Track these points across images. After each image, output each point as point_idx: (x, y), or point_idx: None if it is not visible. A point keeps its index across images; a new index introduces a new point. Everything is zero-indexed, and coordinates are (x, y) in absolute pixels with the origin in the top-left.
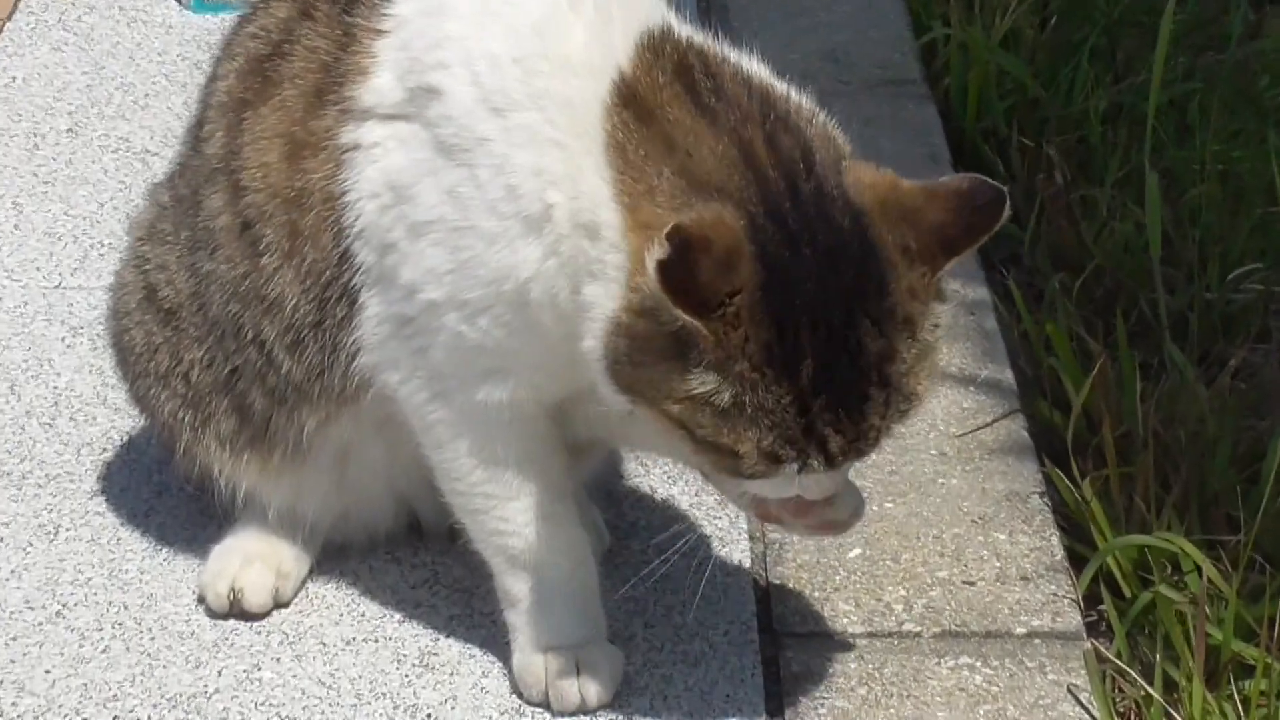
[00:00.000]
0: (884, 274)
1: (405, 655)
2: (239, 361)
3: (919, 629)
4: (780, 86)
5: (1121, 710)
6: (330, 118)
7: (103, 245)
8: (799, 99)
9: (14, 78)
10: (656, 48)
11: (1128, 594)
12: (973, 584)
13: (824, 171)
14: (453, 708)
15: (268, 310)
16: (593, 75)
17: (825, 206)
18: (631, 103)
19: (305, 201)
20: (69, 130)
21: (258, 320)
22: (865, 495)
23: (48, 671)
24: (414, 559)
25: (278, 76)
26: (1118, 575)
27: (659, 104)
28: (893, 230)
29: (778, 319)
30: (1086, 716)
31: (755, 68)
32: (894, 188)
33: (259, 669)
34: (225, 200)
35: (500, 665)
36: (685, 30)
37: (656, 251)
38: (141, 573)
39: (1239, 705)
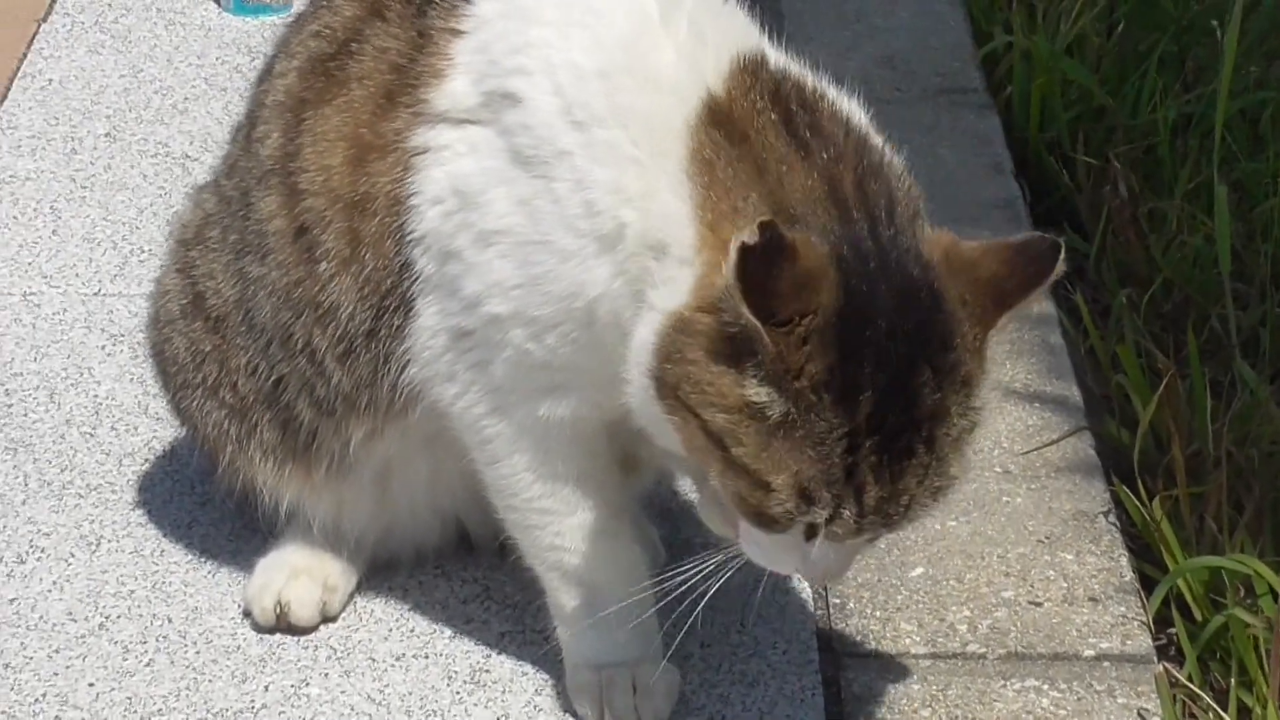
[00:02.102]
0: (949, 327)
1: (456, 672)
2: (285, 371)
3: (984, 650)
4: (876, 137)
5: None
6: (401, 120)
7: (142, 251)
8: (891, 154)
9: (50, 80)
10: (753, 72)
11: (1199, 617)
12: (1039, 605)
13: (901, 223)
14: None
15: (320, 319)
16: (678, 95)
17: (901, 254)
18: (723, 123)
19: (370, 207)
20: (107, 134)
21: (309, 329)
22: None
23: (91, 685)
24: (464, 574)
25: (343, 76)
26: (1189, 597)
27: (753, 127)
28: (955, 284)
29: (847, 348)
30: None
31: (853, 109)
32: (954, 244)
33: (306, 685)
34: (280, 203)
35: (553, 683)
36: (780, 59)
37: (747, 234)
38: (185, 585)
39: None
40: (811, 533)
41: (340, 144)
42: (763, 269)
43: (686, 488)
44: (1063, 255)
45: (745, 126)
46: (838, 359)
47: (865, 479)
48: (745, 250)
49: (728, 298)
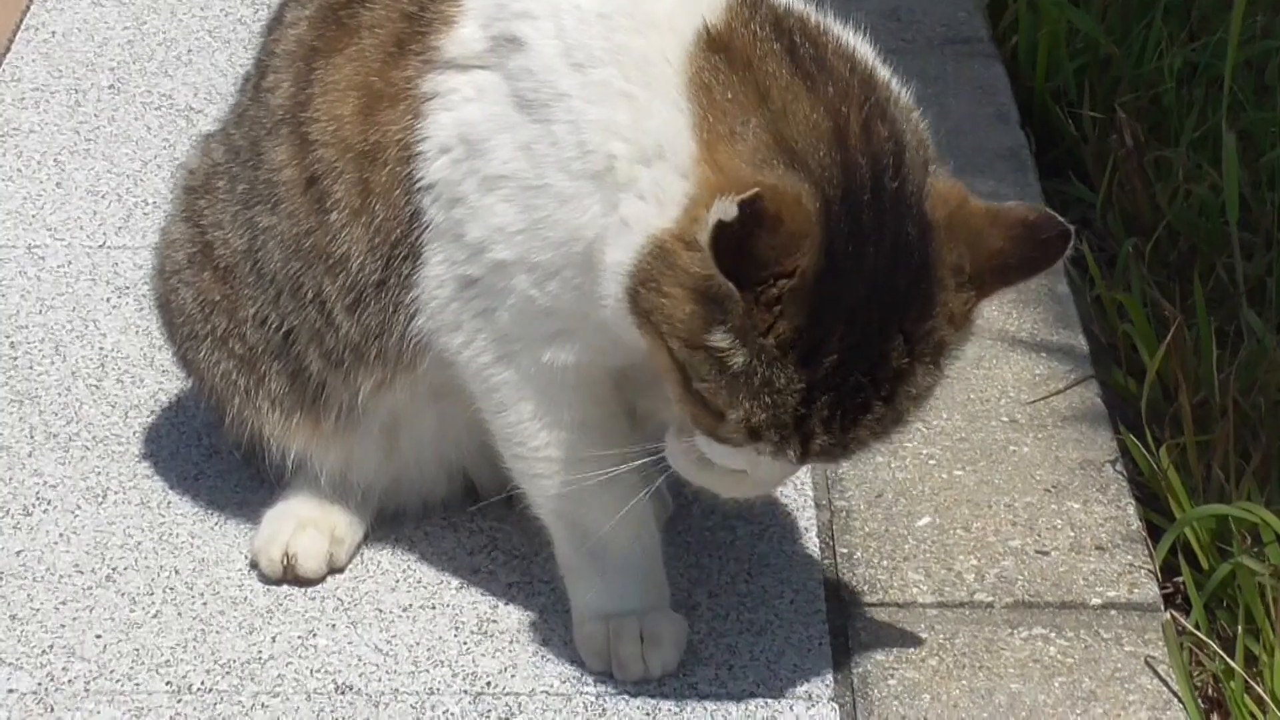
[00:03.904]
0: (933, 294)
1: (463, 622)
2: (295, 322)
3: (991, 599)
4: (883, 71)
5: (1199, 684)
6: (412, 68)
7: (147, 204)
8: (899, 89)
9: (53, 32)
10: (752, 5)
11: (1206, 565)
12: (1046, 554)
13: (909, 173)
14: (512, 676)
15: (330, 269)
16: (674, 31)
17: (901, 212)
18: (722, 49)
19: (380, 157)
20: (110, 87)
21: (319, 279)
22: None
23: (98, 636)
24: (471, 525)
25: (354, 24)
26: (1195, 546)
27: (756, 55)
28: (953, 250)
29: (819, 311)
30: (1165, 689)
31: (859, 44)
32: (963, 205)
33: (314, 635)
34: (290, 153)
35: (561, 633)
36: None
37: (725, 209)
38: (192, 537)
39: None
40: (757, 451)
41: (351, 93)
42: (738, 242)
43: None
44: (1072, 243)
45: (747, 54)
46: (807, 321)
47: (814, 428)
48: (720, 227)
49: (704, 255)
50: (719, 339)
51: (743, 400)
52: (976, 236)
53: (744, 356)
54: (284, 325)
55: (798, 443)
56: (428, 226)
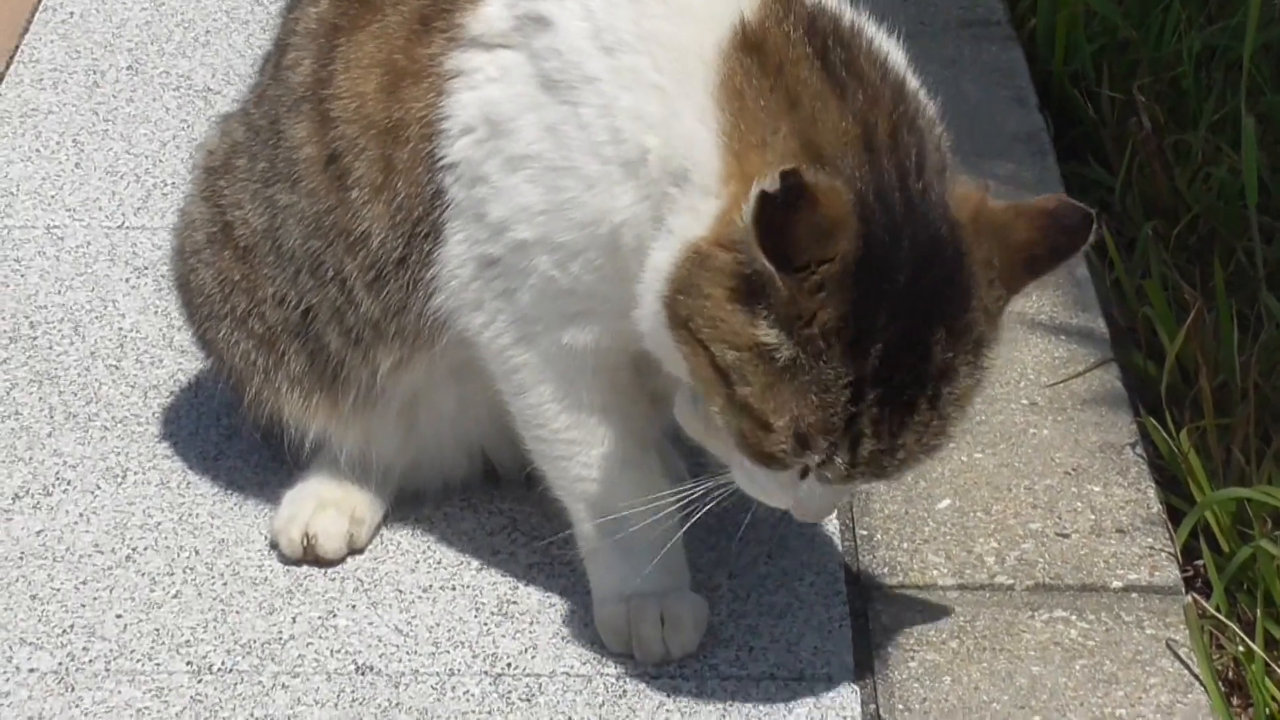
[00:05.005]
0: (969, 288)
1: (483, 603)
2: (315, 300)
3: (1011, 581)
4: (913, 80)
5: (1220, 667)
6: (436, 45)
7: (166, 185)
8: (926, 100)
9: (71, 13)
10: (786, 1)
11: (1226, 548)
12: (1067, 536)
13: (931, 177)
14: (533, 656)
15: (351, 246)
16: (709, 21)
17: (928, 208)
18: (755, 51)
19: (403, 134)
20: (129, 67)
21: (339, 257)
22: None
23: (119, 616)
24: (490, 506)
25: (378, 2)
26: (1216, 529)
27: (788, 59)
28: (982, 245)
29: (862, 298)
30: (1186, 672)
31: (891, 47)
32: (984, 204)
33: (334, 616)
34: (311, 130)
35: (581, 614)
36: None
37: (766, 183)
38: (212, 517)
39: None
40: (803, 473)
41: (374, 70)
42: (781, 216)
43: None
44: (1095, 227)
45: (779, 57)
46: (851, 309)
47: (864, 431)
48: (764, 198)
49: (745, 241)
50: (764, 332)
51: (791, 402)
52: (1002, 231)
53: (790, 350)
54: (303, 304)
55: (847, 448)
56: (449, 205)
